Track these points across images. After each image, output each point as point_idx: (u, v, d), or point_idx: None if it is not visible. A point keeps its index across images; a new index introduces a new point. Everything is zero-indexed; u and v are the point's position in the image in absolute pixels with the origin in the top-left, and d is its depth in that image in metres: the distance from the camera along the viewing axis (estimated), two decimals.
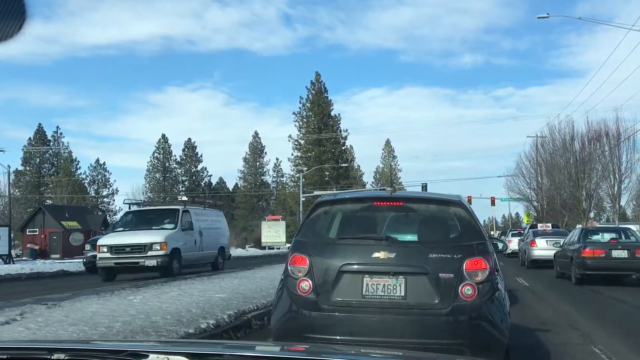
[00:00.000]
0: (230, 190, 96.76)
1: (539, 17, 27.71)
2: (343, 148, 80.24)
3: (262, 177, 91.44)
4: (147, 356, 2.01)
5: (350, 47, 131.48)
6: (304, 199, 57.29)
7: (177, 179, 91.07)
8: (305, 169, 69.18)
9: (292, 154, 78.98)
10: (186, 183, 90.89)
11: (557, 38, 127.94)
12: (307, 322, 5.20)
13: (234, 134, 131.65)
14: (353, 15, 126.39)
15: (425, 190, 43.85)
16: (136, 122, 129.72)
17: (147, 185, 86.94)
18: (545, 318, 10.31)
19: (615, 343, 7.99)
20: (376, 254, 5.20)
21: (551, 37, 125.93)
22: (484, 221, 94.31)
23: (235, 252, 48.28)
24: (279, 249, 53.77)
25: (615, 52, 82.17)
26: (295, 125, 78.72)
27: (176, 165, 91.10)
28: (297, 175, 69.58)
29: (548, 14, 27.80)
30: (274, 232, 60.29)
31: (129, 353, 2.05)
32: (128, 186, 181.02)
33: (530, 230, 29.10)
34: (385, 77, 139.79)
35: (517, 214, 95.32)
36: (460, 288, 5.06)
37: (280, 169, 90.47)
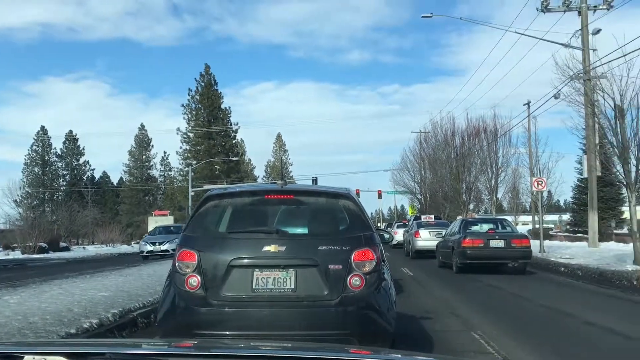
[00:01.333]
0: (115, 184, 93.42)
1: (423, 17, 28.54)
2: (234, 142, 79.44)
3: (149, 171, 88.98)
4: (22, 358, 1.89)
5: (240, 40, 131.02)
6: (193, 194, 56.27)
7: (57, 172, 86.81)
8: (195, 162, 67.85)
9: (180, 147, 77.20)
10: (67, 177, 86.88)
11: (439, 37, 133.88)
12: (195, 319, 5.10)
13: (119, 126, 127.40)
14: (243, 8, 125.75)
15: (316, 183, 44.39)
16: (12, 112, 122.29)
17: (25, 180, 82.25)
18: (428, 306, 10.71)
19: (494, 328, 8.40)
20: (267, 248, 5.19)
21: (434, 37, 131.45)
22: (372, 213, 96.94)
23: (120, 249, 46.68)
24: None
25: (493, 53, 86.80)
26: (184, 118, 76.88)
27: (56, 159, 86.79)
28: (186, 169, 68.22)
29: (432, 13, 28.77)
30: None
31: (2, 355, 1.92)
32: (4, 181, 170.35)
33: (414, 221, 29.92)
34: (275, 72, 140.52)
35: (402, 206, 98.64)
36: (348, 279, 5.15)
37: (168, 162, 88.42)
